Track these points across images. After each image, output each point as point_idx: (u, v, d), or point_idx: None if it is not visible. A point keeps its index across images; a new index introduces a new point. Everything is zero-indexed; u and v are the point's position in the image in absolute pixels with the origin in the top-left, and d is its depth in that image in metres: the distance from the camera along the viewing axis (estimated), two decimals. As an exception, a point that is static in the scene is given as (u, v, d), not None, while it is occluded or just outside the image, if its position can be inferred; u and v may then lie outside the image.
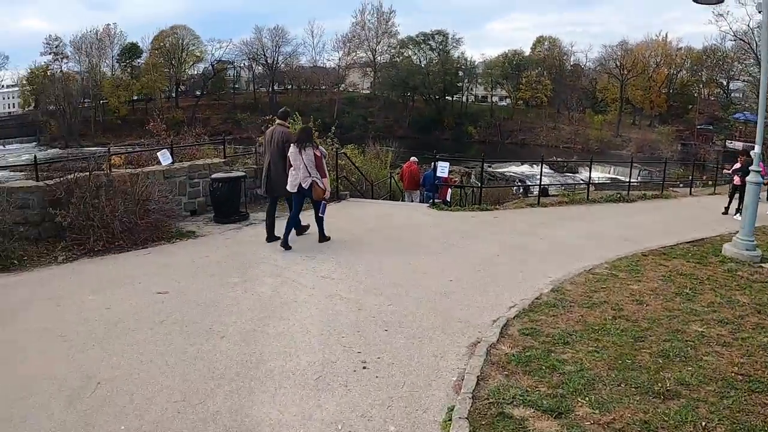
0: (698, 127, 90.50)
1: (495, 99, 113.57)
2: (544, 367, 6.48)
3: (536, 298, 8.95)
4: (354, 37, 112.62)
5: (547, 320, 8.02)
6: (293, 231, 12.53)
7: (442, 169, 18.32)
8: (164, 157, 15.63)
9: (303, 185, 11.92)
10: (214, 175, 14.93)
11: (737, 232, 12.53)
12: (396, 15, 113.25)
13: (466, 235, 13.61)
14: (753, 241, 12.20)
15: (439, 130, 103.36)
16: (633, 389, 6.00)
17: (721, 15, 70.38)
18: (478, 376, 6.26)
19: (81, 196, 12.09)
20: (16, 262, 11.03)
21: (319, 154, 12.11)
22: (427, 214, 16.33)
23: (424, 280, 10.02)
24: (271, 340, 7.41)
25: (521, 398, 5.77)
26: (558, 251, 12.26)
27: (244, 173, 15.60)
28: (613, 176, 68.40)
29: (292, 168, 11.96)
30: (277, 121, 12.91)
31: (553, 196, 30.52)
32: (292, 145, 11.99)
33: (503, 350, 6.99)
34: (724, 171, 24.59)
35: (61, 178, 12.69)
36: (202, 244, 12.55)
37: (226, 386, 6.18)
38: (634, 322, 7.98)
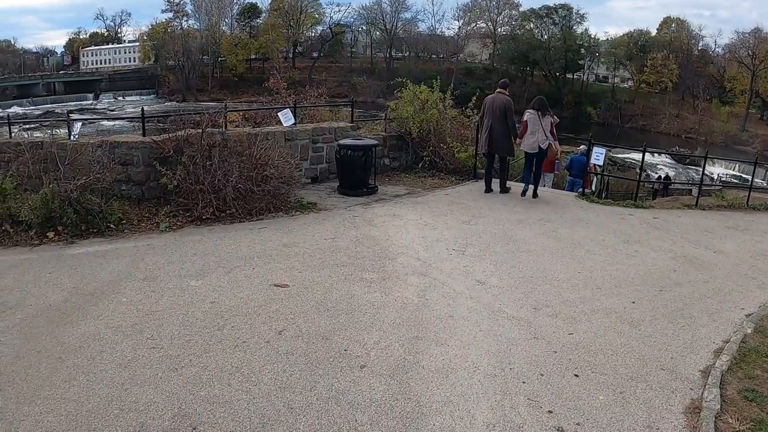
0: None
1: (617, 80, 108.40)
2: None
3: (742, 342, 6.83)
4: (475, 6, 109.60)
5: (763, 376, 5.96)
6: (497, 187, 14.29)
7: (598, 156, 15.81)
8: (286, 117, 13.88)
9: (541, 146, 13.63)
10: (342, 141, 13.11)
11: None
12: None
13: (630, 239, 11.38)
14: None
15: (558, 108, 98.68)
16: None
17: None
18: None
19: (191, 156, 10.42)
20: (113, 226, 9.53)
21: (554, 120, 13.92)
22: (578, 206, 14.00)
23: (600, 299, 7.93)
24: (429, 379, 5.38)
25: None
26: (737, 272, 10.04)
27: (375, 142, 13.68)
28: (737, 174, 63.85)
29: (528, 132, 13.60)
30: (498, 89, 14.03)
31: (677, 188, 27.53)
32: (528, 111, 13.73)
33: (732, 425, 5.04)
34: None
35: (171, 135, 11.03)
36: (327, 221, 10.66)
37: (376, 459, 4.21)
38: None
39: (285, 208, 11.13)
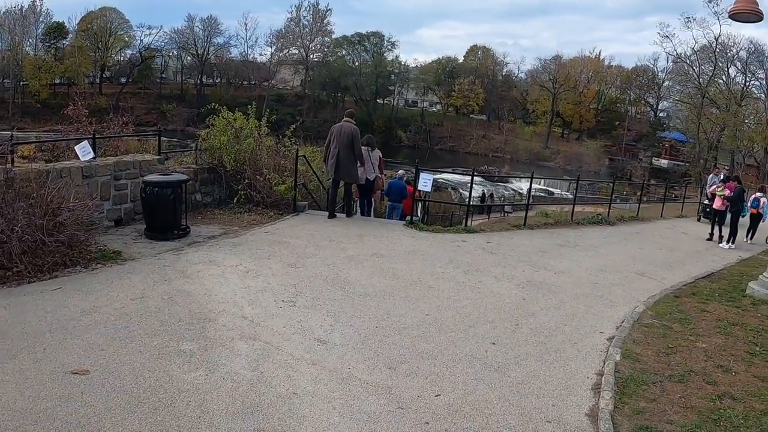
0: (625, 144, 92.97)
1: (425, 104, 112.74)
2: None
3: (616, 372, 6.73)
4: (288, 33, 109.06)
5: (650, 408, 5.96)
6: (344, 212, 15.45)
7: (425, 182, 15.49)
8: (83, 151, 12.24)
9: (369, 178, 15.48)
10: (147, 177, 11.68)
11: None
12: (332, 14, 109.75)
13: (471, 268, 11.08)
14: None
15: (369, 132, 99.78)
16: None
17: (667, 37, 71.15)
18: None
19: (-34, 202, 8.70)
20: None
21: (380, 156, 16.10)
22: (409, 236, 13.48)
23: (458, 344, 7.33)
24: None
25: None
26: (583, 292, 10.36)
27: (186, 176, 12.33)
28: (544, 188, 67.85)
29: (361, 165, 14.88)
30: (345, 118, 14.87)
31: (496, 205, 28.55)
32: (363, 147, 14.99)
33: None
34: (710, 190, 20.74)
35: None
36: (133, 275, 9.12)
37: None
38: (743, 402, 6.28)
39: (84, 261, 9.51)
